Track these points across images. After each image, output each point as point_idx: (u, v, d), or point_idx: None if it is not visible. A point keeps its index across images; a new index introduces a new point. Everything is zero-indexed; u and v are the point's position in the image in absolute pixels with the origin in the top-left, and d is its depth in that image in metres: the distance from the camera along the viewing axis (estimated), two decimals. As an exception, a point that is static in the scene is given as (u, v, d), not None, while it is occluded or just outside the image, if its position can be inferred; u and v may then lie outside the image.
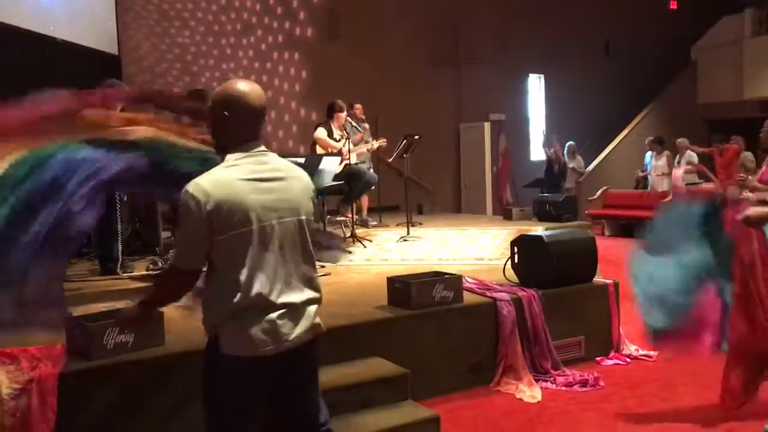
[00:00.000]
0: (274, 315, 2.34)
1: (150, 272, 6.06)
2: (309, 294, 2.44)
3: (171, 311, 4.29)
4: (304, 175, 2.51)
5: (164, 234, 7.13)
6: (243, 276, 2.31)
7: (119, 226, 6.08)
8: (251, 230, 2.30)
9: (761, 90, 15.02)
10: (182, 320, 4.23)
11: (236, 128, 2.38)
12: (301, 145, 10.86)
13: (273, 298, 2.33)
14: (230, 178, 2.31)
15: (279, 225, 2.35)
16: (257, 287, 2.32)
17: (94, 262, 6.45)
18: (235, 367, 2.35)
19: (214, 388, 2.42)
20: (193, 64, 11.06)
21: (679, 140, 11.98)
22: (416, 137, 8.44)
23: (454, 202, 13.72)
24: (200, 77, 11.03)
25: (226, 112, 2.37)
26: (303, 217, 2.42)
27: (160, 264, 6.25)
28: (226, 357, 2.35)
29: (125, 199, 6.22)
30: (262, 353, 2.33)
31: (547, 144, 13.23)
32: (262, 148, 2.42)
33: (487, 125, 13.43)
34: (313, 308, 2.45)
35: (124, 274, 5.98)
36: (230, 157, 2.37)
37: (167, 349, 3.67)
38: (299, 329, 2.39)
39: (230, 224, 2.28)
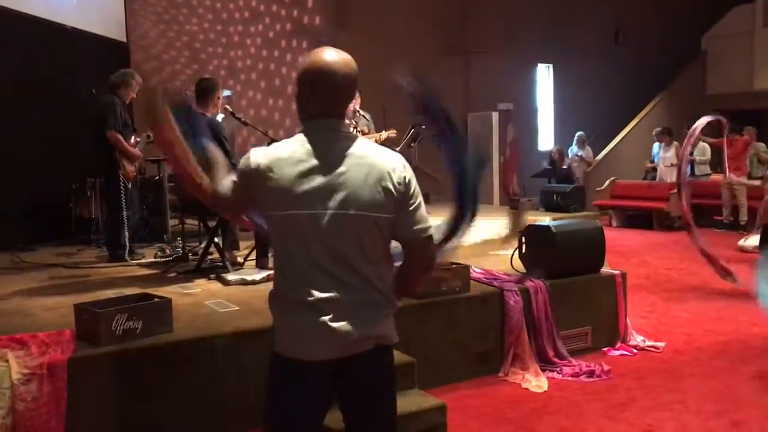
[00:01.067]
0: (320, 314, 2.07)
1: (158, 259, 6.09)
2: (367, 296, 2.11)
3: (179, 298, 4.34)
4: (379, 164, 2.09)
5: (172, 222, 7.16)
6: (286, 266, 2.14)
7: (125, 213, 6.11)
8: (294, 215, 2.07)
9: (770, 81, 14.91)
10: (190, 307, 4.28)
11: (307, 102, 2.15)
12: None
13: (309, 295, 2.07)
14: (288, 153, 2.11)
15: (322, 215, 2.05)
16: (293, 282, 2.11)
17: (103, 249, 6.49)
18: (280, 367, 2.18)
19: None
20: (201, 52, 11.05)
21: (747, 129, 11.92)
22: (424, 126, 8.41)
23: (462, 192, 13.69)
24: (208, 65, 11.03)
25: (305, 86, 2.14)
26: (353, 212, 2.05)
27: (167, 251, 6.28)
28: (273, 355, 2.18)
29: (129, 186, 6.24)
30: (299, 357, 2.12)
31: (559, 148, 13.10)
32: (336, 125, 2.14)
33: (495, 115, 13.38)
34: (371, 313, 2.12)
35: (133, 261, 6.02)
36: (298, 133, 2.16)
37: (176, 336, 3.68)
38: (354, 335, 2.08)
39: (276, 202, 2.09)
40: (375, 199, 2.06)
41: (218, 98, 5.44)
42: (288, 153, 2.11)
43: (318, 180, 2.06)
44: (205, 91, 5.40)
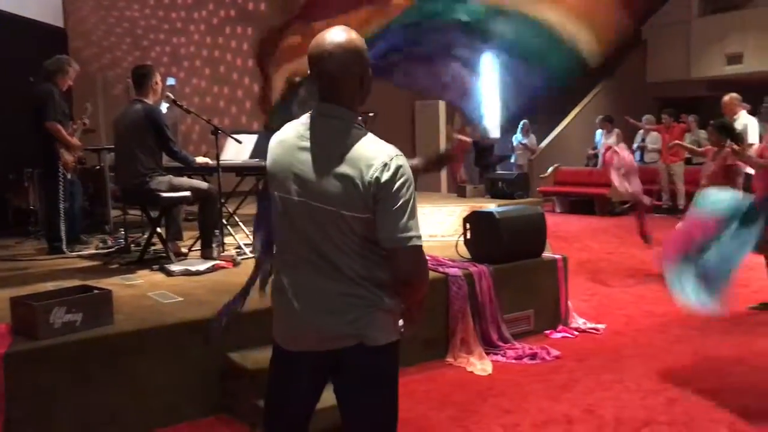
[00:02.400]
0: (301, 305, 2.03)
1: (99, 250, 5.96)
2: (351, 290, 2.00)
3: (120, 290, 4.27)
4: (357, 158, 1.94)
5: (114, 212, 7.02)
6: (279, 248, 2.12)
7: (62, 205, 5.95)
8: (282, 198, 2.03)
9: (708, 69, 15.36)
10: (132, 299, 4.21)
11: (312, 85, 2.07)
12: (254, 121, 10.74)
13: (293, 284, 2.05)
14: (287, 134, 2.08)
15: (300, 204, 2.00)
16: (286, 267, 2.08)
17: (42, 242, 6.33)
18: (275, 353, 2.19)
19: None
20: (142, 38, 10.82)
21: (645, 117, 12.25)
22: (371, 114, 8.41)
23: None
24: (150, 52, 10.80)
25: (310, 68, 2.05)
26: (321, 205, 1.96)
27: (109, 242, 6.15)
28: (273, 341, 2.18)
29: (69, 176, 6.09)
30: (286, 347, 2.11)
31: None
32: (330, 111, 2.02)
33: (442, 103, 13.46)
34: (355, 309, 2.00)
35: (73, 253, 5.88)
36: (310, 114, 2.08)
37: (117, 328, 3.62)
38: (332, 331, 2.01)
39: (271, 179, 2.08)
40: (340, 194, 1.94)
41: (156, 84, 5.33)
42: (286, 134, 2.09)
43: (301, 165, 2.01)
44: (141, 78, 5.30)
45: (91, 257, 5.75)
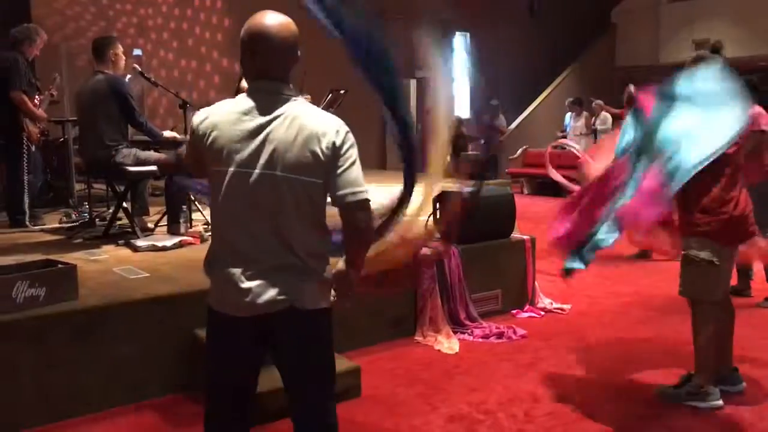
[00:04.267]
0: (235, 272, 2.14)
1: (62, 225, 5.85)
2: (285, 260, 2.14)
3: (85, 265, 4.20)
4: (310, 125, 2.11)
5: (78, 186, 6.89)
6: (217, 222, 2.22)
7: (26, 177, 5.83)
8: (224, 172, 2.12)
9: (675, 55, 15.54)
10: (97, 274, 4.14)
11: (250, 64, 2.18)
12: (223, 95, 10.59)
13: (236, 253, 2.15)
14: (226, 111, 2.17)
15: (250, 175, 2.10)
16: (223, 238, 2.19)
17: (2, 215, 6.18)
18: (211, 319, 2.28)
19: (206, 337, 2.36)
20: (108, 9, 10.55)
21: (596, 102, 12.34)
22: (342, 92, 8.35)
23: (379, 159, 13.74)
24: (116, 23, 10.56)
25: (245, 49, 2.19)
26: (279, 173, 2.09)
27: (73, 216, 6.04)
28: (208, 309, 2.27)
29: (33, 149, 5.95)
30: (224, 311, 2.20)
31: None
32: (276, 88, 2.16)
33: (413, 82, 13.42)
34: (287, 275, 2.14)
35: (35, 227, 5.76)
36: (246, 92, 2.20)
37: (82, 304, 3.56)
38: (264, 296, 2.12)
39: (211, 156, 2.15)
40: (301, 162, 2.09)
41: (116, 55, 5.20)
42: (226, 111, 2.17)
43: (249, 140, 2.11)
44: (100, 48, 5.18)
45: (54, 231, 5.64)
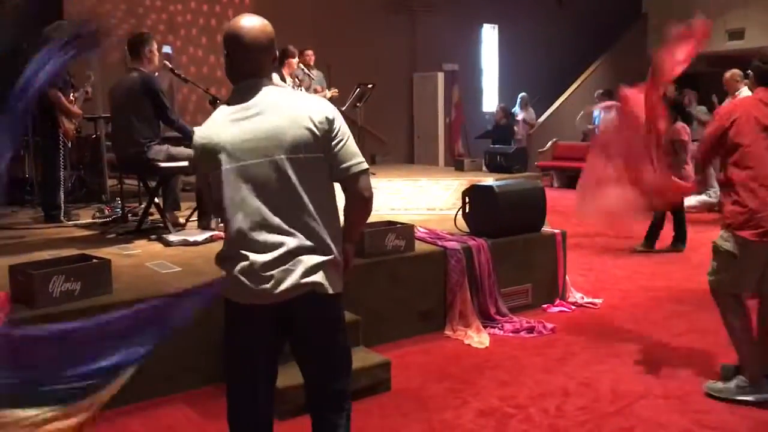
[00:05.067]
0: (253, 261, 2.18)
1: (96, 220, 5.94)
2: (299, 242, 2.19)
3: (118, 260, 4.26)
4: (298, 107, 2.23)
5: (111, 181, 6.98)
6: (228, 217, 2.26)
7: (62, 173, 5.93)
8: (224, 170, 2.20)
9: (709, 44, 15.24)
10: (131, 269, 4.20)
11: (230, 65, 2.31)
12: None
13: (251, 243, 2.19)
14: (216, 117, 2.30)
15: (253, 166, 2.18)
16: (237, 230, 2.22)
17: (37, 210, 6.30)
18: (228, 311, 2.32)
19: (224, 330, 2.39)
20: (138, 5, 10.64)
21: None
22: (369, 86, 8.38)
23: (407, 153, 13.72)
24: (146, 19, 10.65)
25: (225, 51, 2.31)
26: (281, 156, 2.18)
27: (106, 212, 6.13)
28: (225, 300, 2.31)
29: (69, 145, 6.04)
30: (242, 302, 2.24)
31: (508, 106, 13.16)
32: (256, 83, 2.27)
33: (440, 75, 13.37)
34: (305, 259, 2.19)
35: (69, 222, 5.85)
36: (230, 96, 2.34)
37: (116, 297, 3.61)
38: (286, 283, 2.18)
39: (209, 163, 2.24)
40: (299, 141, 2.20)
41: (151, 52, 5.26)
42: (218, 118, 2.29)
43: (245, 133, 2.20)
44: (136, 45, 5.22)
45: (88, 227, 5.72)
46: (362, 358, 3.85)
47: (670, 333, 4.66)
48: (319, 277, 2.21)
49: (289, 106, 2.24)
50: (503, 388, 3.81)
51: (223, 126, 2.24)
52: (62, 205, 5.93)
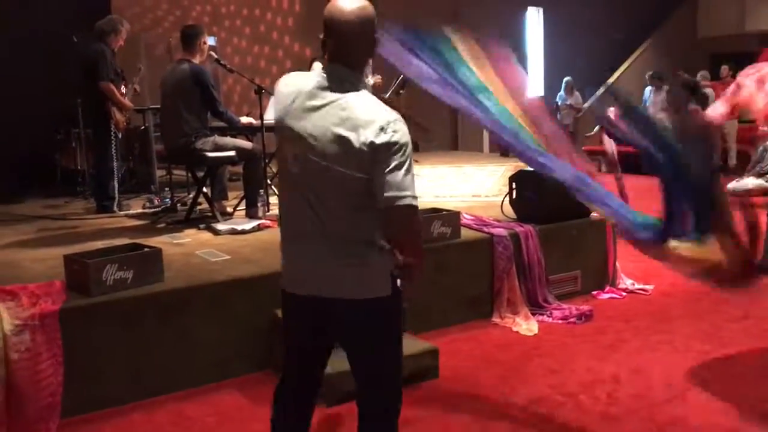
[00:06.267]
0: (292, 251, 2.23)
1: (146, 210, 6.05)
2: (333, 246, 2.14)
3: (169, 248, 4.33)
4: (354, 118, 2.05)
5: (159, 172, 7.10)
6: (282, 205, 2.28)
7: (115, 164, 6.06)
8: (284, 150, 2.17)
9: (763, 22, 14.76)
10: (181, 257, 4.27)
11: (322, 47, 2.19)
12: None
13: (293, 234, 2.22)
14: (304, 82, 2.19)
15: (298, 156, 2.12)
16: (287, 222, 2.25)
17: (89, 201, 6.44)
18: (282, 298, 2.35)
19: None
20: (183, -2, 10.81)
21: (701, 73, 11.86)
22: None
23: (451, 139, 13.63)
24: (191, 11, 10.80)
25: (323, 32, 2.18)
26: (322, 161, 2.07)
27: (156, 202, 6.24)
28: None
29: (120, 136, 6.16)
30: (287, 289, 2.27)
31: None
32: (340, 74, 2.13)
33: (484, 60, 13.19)
34: (333, 259, 2.15)
35: (121, 212, 5.98)
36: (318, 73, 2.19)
37: (167, 285, 3.68)
38: (315, 283, 2.18)
39: (278, 132, 2.21)
40: (338, 153, 2.05)
41: (204, 44, 5.33)
42: (304, 82, 2.18)
43: (304, 122, 2.12)
44: (190, 37, 5.29)
45: (138, 217, 5.84)
46: (410, 345, 3.84)
47: (723, 319, 4.54)
48: (350, 279, 2.15)
49: (348, 114, 2.06)
50: (553, 375, 3.76)
51: (296, 102, 2.14)
52: (115, 195, 6.06)
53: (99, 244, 4.34)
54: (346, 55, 2.14)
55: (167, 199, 6.13)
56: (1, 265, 4.24)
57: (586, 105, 13.90)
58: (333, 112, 2.08)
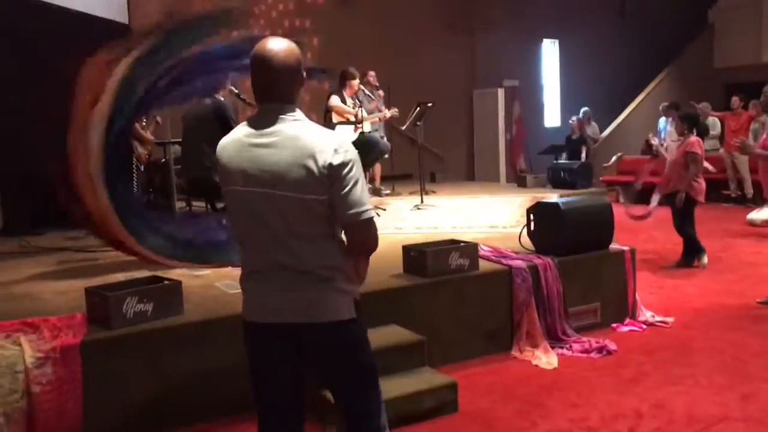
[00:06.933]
0: (256, 283, 2.29)
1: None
2: (296, 274, 2.21)
3: (188, 280, 4.35)
4: (306, 145, 2.15)
5: (179, 204, 7.16)
6: (239, 239, 2.33)
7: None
8: (234, 191, 2.24)
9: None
10: (200, 289, 4.29)
11: (254, 86, 2.28)
12: (312, 113, 10.78)
13: (257, 267, 2.27)
14: (235, 135, 2.29)
15: (259, 194, 2.19)
16: (246, 254, 2.31)
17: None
18: (245, 331, 2.38)
19: None
20: (204, 33, 10.99)
21: (702, 104, 11.83)
22: (429, 104, 8.38)
23: (468, 170, 13.66)
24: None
25: (250, 73, 2.29)
26: (281, 192, 2.15)
27: (175, 234, 6.28)
28: (242, 320, 2.38)
29: (142, 168, 6.25)
30: (252, 320, 2.32)
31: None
32: (277, 109, 2.22)
33: (500, 91, 13.29)
34: (296, 287, 2.22)
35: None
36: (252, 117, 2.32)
37: (186, 318, 3.70)
38: (284, 308, 2.24)
39: (224, 180, 2.29)
40: (298, 180, 2.14)
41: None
42: (235, 136, 2.29)
43: (252, 160, 2.20)
44: None
45: (158, 248, 5.86)
46: (428, 378, 3.83)
47: (747, 353, 4.47)
48: (313, 306, 2.23)
49: (298, 143, 2.16)
50: (573, 409, 3.72)
51: (237, 147, 2.24)
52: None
53: (119, 277, 4.38)
54: (278, 93, 2.23)
55: (186, 231, 6.17)
56: (23, 297, 4.29)
57: (603, 135, 13.90)
58: (285, 144, 2.17)
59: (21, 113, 6.80)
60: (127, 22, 9.17)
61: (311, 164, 2.13)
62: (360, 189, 2.18)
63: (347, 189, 2.15)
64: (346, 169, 2.15)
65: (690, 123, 6.70)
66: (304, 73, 2.29)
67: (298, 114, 2.24)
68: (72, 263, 5.38)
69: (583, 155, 11.89)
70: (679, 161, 6.59)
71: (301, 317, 2.23)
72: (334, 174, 2.14)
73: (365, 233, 2.22)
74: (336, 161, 2.13)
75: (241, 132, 2.28)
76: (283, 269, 2.22)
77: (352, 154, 2.19)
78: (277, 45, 2.22)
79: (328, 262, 2.24)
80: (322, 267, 2.22)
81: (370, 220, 2.21)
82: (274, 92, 2.24)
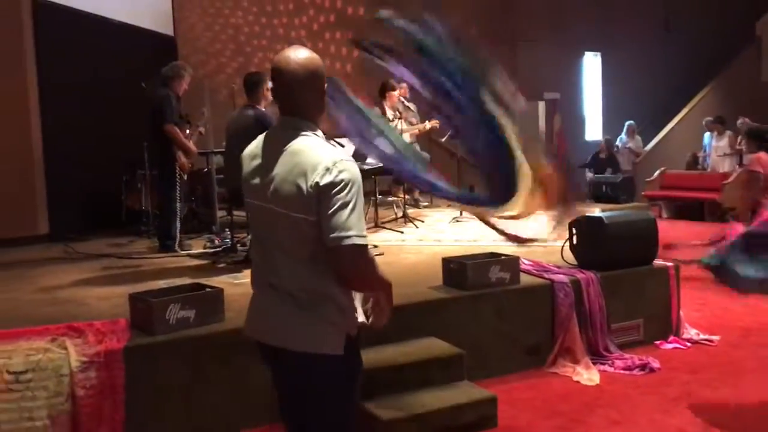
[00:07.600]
0: (253, 298, 2.27)
1: (207, 250, 6.17)
2: (285, 294, 2.11)
3: (229, 288, 4.39)
4: (303, 162, 2.05)
5: (220, 213, 7.25)
6: (252, 255, 2.32)
7: (178, 205, 6.21)
8: (247, 202, 2.23)
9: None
10: (241, 297, 4.31)
11: (273, 97, 2.26)
12: (352, 125, 10.84)
13: (255, 281, 2.25)
14: (251, 147, 2.27)
15: (260, 208, 2.15)
16: (255, 270, 2.27)
17: (153, 240, 6.61)
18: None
19: None
20: (246, 45, 11.14)
21: (743, 120, 11.60)
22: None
23: (507, 183, 13.55)
24: (253, 57, 11.11)
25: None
26: (276, 208, 2.09)
27: (216, 242, 6.35)
28: None
29: (184, 178, 6.33)
30: (247, 333, 2.27)
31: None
32: (292, 124, 2.15)
33: (541, 104, 13.19)
34: (279, 308, 2.13)
35: (182, 252, 6.10)
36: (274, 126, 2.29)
37: (227, 325, 3.72)
38: (265, 329, 2.18)
39: (243, 189, 2.27)
40: (289, 197, 2.06)
41: (267, 90, 5.47)
42: (252, 146, 2.28)
43: (260, 174, 2.16)
44: (254, 84, 5.43)
45: (199, 256, 5.95)
46: (467, 392, 3.79)
47: (798, 374, 4.34)
48: (291, 330, 2.10)
49: (298, 159, 2.07)
50: (616, 427, 3.65)
51: (252, 159, 2.22)
52: (177, 235, 6.20)
53: (161, 283, 4.44)
54: (293, 105, 2.16)
55: (228, 240, 6.24)
56: (67, 302, 4.37)
57: (646, 149, 13.70)
58: (285, 160, 2.09)
59: (69, 125, 6.99)
60: (172, 34, 9.36)
61: (301, 182, 2.03)
62: (348, 212, 2.00)
63: (332, 210, 2.00)
64: (335, 190, 2.00)
65: (756, 139, 6.44)
66: (326, 85, 2.20)
67: (311, 130, 2.14)
68: (115, 270, 5.47)
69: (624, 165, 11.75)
70: (743, 179, 6.34)
71: (276, 340, 2.13)
72: (321, 194, 2.00)
73: (346, 261, 2.02)
74: (324, 181, 2.00)
75: (256, 143, 2.26)
76: (271, 287, 2.15)
77: (348, 174, 2.03)
78: (295, 55, 2.13)
79: (314, 286, 2.09)
80: (303, 290, 2.09)
81: (355, 248, 2.00)
82: (289, 104, 2.17)
